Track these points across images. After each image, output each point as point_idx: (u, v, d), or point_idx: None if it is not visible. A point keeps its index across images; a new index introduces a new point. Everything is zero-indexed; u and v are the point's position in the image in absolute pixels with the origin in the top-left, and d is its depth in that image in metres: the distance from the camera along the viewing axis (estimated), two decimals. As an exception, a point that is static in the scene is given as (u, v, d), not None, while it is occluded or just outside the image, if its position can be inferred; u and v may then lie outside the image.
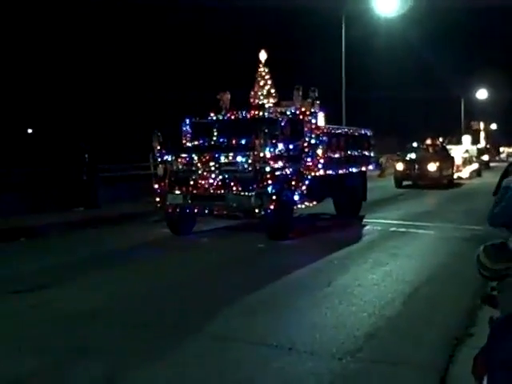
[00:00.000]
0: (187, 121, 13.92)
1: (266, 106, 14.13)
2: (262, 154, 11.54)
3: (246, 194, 11.60)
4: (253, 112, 13.39)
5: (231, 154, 11.86)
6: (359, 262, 9.76)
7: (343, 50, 31.48)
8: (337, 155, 14.74)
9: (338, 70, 31.74)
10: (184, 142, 13.90)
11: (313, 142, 13.33)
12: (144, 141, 14.01)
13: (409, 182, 25.84)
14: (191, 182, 12.18)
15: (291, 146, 12.82)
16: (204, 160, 12.07)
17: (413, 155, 26.30)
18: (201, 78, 23.32)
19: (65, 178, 17.39)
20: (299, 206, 12.94)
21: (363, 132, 16.82)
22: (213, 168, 12.01)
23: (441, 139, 33.69)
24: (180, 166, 12.36)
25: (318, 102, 15.11)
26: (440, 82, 57.04)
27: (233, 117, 13.61)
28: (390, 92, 49.96)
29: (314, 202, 13.64)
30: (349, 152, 15.49)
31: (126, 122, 22.91)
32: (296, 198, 12.64)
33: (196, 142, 13.66)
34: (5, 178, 16.91)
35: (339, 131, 15.06)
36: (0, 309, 7.25)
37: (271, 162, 11.72)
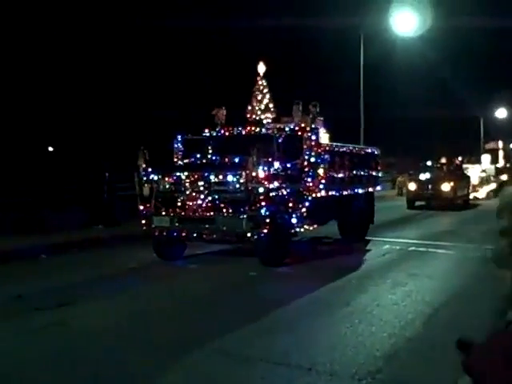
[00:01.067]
0: (179, 137, 13.04)
1: (264, 121, 13.19)
2: (254, 174, 10.57)
3: (237, 216, 10.63)
4: (248, 128, 12.47)
5: (221, 174, 10.91)
6: (378, 282, 9.65)
7: (361, 69, 31.47)
8: (340, 175, 13.75)
9: (356, 88, 31.60)
10: (176, 159, 13.00)
11: (313, 160, 12.34)
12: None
13: (422, 203, 24.69)
14: (179, 204, 11.25)
15: (289, 165, 11.86)
16: (192, 179, 11.14)
17: (427, 175, 25.13)
18: (201, 94, 22.51)
19: (86, 197, 17.42)
20: (298, 229, 11.92)
21: (370, 151, 15.83)
22: (202, 188, 11.07)
23: (460, 158, 32.69)
24: (167, 186, 11.44)
25: (321, 118, 14.26)
26: (458, 102, 56.04)
27: (227, 133, 12.73)
28: (408, 111, 49.40)
29: (315, 226, 12.62)
30: (354, 172, 14.49)
31: (131, 138, 22.21)
32: (294, 220, 11.64)
33: (187, 160, 12.75)
34: (27, 196, 16.97)
35: (343, 149, 14.04)
36: (22, 326, 7.17)
37: (265, 182, 10.76)
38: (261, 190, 10.63)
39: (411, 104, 49.49)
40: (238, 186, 10.79)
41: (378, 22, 30.74)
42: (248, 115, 13.27)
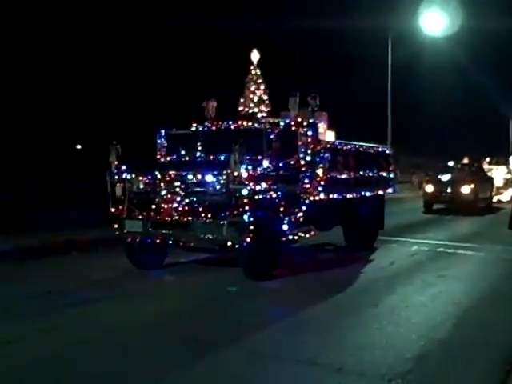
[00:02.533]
0: (162, 132, 11.69)
1: (259, 115, 11.80)
2: (236, 173, 9.19)
3: (217, 222, 9.27)
4: (236, 122, 11.11)
5: (200, 173, 9.55)
6: (406, 283, 9.61)
7: (389, 69, 31.46)
8: (344, 176, 12.32)
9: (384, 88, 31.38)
10: (158, 156, 11.67)
11: (310, 159, 10.92)
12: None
13: (441, 206, 23.01)
14: (153, 206, 9.92)
15: (281, 164, 10.45)
16: (168, 179, 9.81)
17: (447, 176, 23.41)
18: (190, 84, 21.12)
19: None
20: (291, 237, 10.51)
21: (380, 149, 14.35)
22: (178, 189, 9.74)
23: (488, 159, 31.05)
24: (141, 186, 10.11)
25: (323, 112, 12.90)
26: (487, 102, 54.29)
27: (214, 128, 11.36)
28: (437, 112, 48.28)
29: (312, 232, 11.18)
30: (361, 172, 13.05)
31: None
32: (285, 227, 10.23)
33: (169, 158, 11.42)
34: (55, 192, 16.64)
35: (347, 147, 12.59)
36: (52, 322, 7.18)
37: (249, 183, 9.37)
38: (244, 192, 9.25)
39: (439, 104, 48.18)
40: (217, 187, 9.43)
41: (406, 23, 30.69)
42: (240, 108, 11.89)
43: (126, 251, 10.43)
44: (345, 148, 12.47)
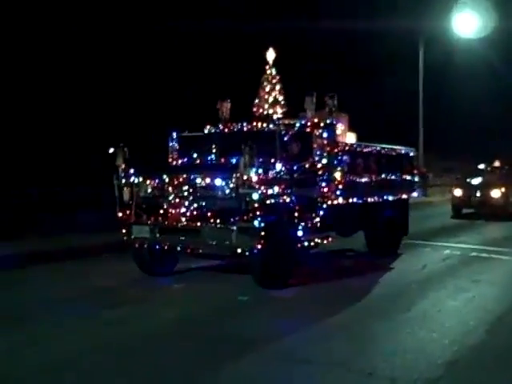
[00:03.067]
0: (174, 135, 11.30)
1: (274, 117, 11.33)
2: (246, 177, 8.73)
3: (226, 227, 8.83)
4: (248, 124, 10.68)
5: (209, 177, 9.13)
6: (439, 288, 9.45)
7: (420, 72, 31.20)
8: (365, 179, 11.78)
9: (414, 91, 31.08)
10: (170, 159, 11.29)
11: (327, 162, 10.41)
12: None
13: (470, 210, 22.17)
14: (161, 211, 9.52)
15: (295, 167, 9.97)
16: (176, 183, 9.40)
17: (477, 179, 22.57)
18: (204, 84, 20.56)
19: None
20: (307, 243, 10.00)
21: (403, 152, 13.74)
22: (186, 193, 9.33)
23: None
24: (149, 190, 9.72)
25: (344, 114, 12.41)
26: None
27: (226, 130, 10.94)
28: (470, 115, 47.26)
29: (330, 239, 10.65)
30: (383, 176, 12.48)
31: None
32: (300, 233, 9.74)
33: (181, 161, 11.04)
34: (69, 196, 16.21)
35: (368, 150, 12.04)
36: (81, 323, 7.28)
37: (260, 187, 8.90)
38: (255, 196, 8.79)
39: (472, 106, 47.19)
40: (227, 191, 8.99)
41: (438, 25, 30.22)
42: (254, 109, 11.44)
43: (134, 257, 10.06)
44: (365, 150, 11.93)
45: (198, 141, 11.07)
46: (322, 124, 10.49)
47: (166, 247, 9.55)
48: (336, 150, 10.70)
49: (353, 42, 33.33)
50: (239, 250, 8.83)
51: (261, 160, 9.53)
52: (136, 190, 9.73)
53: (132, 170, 9.76)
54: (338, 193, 10.64)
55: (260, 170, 8.90)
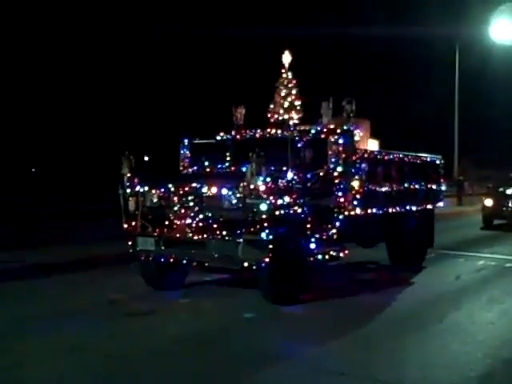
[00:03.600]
0: (185, 142, 10.88)
1: (291, 122, 10.83)
2: (253, 186, 8.24)
3: (232, 240, 8.35)
4: (261, 131, 10.21)
5: (214, 186, 8.66)
6: (472, 299, 9.28)
7: (456, 79, 30.82)
8: (385, 188, 11.19)
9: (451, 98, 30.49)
10: (182, 168, 10.87)
11: (345, 170, 9.87)
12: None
13: (502, 221, 21.15)
14: (166, 222, 9.08)
15: (309, 176, 9.44)
16: (181, 192, 8.96)
17: (511, 189, 21.51)
18: (217, 90, 19.99)
19: None
20: (320, 256, 9.46)
21: (429, 159, 13.09)
22: (191, 204, 8.87)
23: None
24: (154, 200, 9.30)
25: (364, 119, 11.90)
26: None
27: (238, 137, 10.47)
28: (506, 122, 46.08)
29: (347, 251, 10.07)
30: (405, 185, 11.87)
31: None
32: (312, 246, 9.20)
33: (192, 169, 10.62)
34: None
35: (390, 157, 11.45)
36: (112, 330, 7.32)
37: (269, 197, 8.39)
38: (263, 206, 8.28)
39: (509, 114, 45.98)
40: (233, 201, 8.51)
41: (474, 31, 30.11)
42: (269, 115, 10.96)
43: (141, 270, 9.64)
44: (386, 158, 11.34)
45: (210, 148, 10.63)
46: (338, 130, 9.98)
47: (171, 260, 9.09)
48: (354, 158, 10.15)
49: (386, 47, 32.69)
50: (246, 264, 8.34)
51: (272, 168, 9.10)
52: (141, 200, 9.30)
53: (137, 179, 9.33)
54: (355, 203, 10.09)
55: (268, 179, 8.39)
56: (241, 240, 8.28)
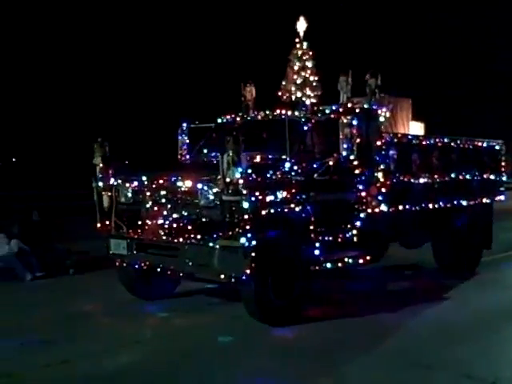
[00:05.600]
0: (184, 126, 9.37)
1: (307, 102, 9.11)
2: (228, 179, 6.63)
3: (207, 245, 6.78)
4: (262, 113, 8.60)
5: (190, 179, 7.11)
6: None
7: None
8: (425, 180, 9.30)
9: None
10: (180, 155, 9.39)
11: (364, 158, 8.11)
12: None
13: None
14: (139, 222, 7.62)
15: (315, 165, 7.72)
16: (154, 187, 7.46)
17: None
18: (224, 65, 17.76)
19: None
20: (329, 265, 7.73)
21: (486, 145, 10.97)
22: (164, 200, 7.36)
23: None
24: (129, 195, 7.85)
25: (407, 99, 10.11)
26: None
27: (238, 119, 8.88)
28: None
29: (368, 257, 8.30)
30: (453, 176, 9.91)
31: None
32: (316, 252, 7.49)
33: (189, 157, 9.13)
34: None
35: (430, 142, 9.53)
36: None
37: (254, 192, 6.75)
38: (245, 204, 6.65)
39: None
40: (210, 197, 6.91)
41: None
42: (280, 93, 9.28)
43: (119, 277, 8.25)
44: (425, 143, 9.41)
45: (210, 133, 9.08)
46: (357, 110, 8.19)
47: (144, 267, 7.64)
48: (378, 143, 8.34)
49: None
50: (222, 276, 6.76)
51: (270, 156, 7.50)
52: (115, 195, 7.88)
53: (111, 171, 7.91)
54: (380, 198, 8.28)
55: (250, 170, 6.75)
56: (216, 246, 6.70)
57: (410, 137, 9.28)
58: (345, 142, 7.81)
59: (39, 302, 8.37)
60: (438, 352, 6.09)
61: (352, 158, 7.87)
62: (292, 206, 7.24)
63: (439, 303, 8.23)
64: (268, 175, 7.08)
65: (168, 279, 8.23)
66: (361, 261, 8.23)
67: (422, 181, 9.24)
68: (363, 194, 8.23)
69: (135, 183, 7.66)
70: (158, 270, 7.52)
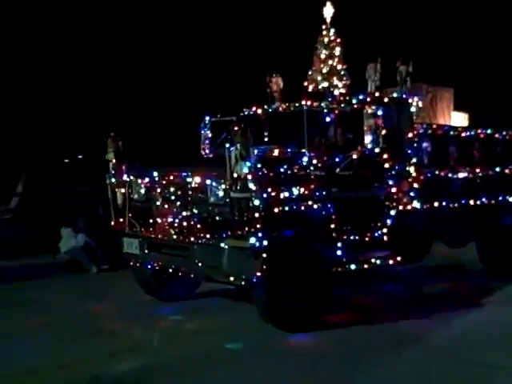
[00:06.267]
0: (206, 120, 8.98)
1: (336, 92, 8.58)
2: (236, 175, 6.19)
3: (216, 246, 6.36)
4: (285, 104, 8.13)
5: (200, 175, 6.71)
6: None
7: None
8: (464, 175, 8.64)
9: None
10: (202, 150, 9.01)
11: (394, 150, 7.54)
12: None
13: None
14: (151, 220, 7.28)
15: (337, 159, 7.19)
16: (164, 183, 7.10)
17: None
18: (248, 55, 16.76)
19: None
20: (353, 266, 7.19)
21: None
22: (175, 197, 6.98)
23: None
24: (142, 192, 7.51)
25: (447, 89, 9.51)
26: None
27: (259, 112, 8.43)
28: None
29: (399, 258, 7.70)
30: (498, 170, 9.22)
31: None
32: (339, 252, 6.97)
33: (211, 153, 8.74)
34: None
35: (469, 134, 8.85)
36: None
37: (266, 189, 6.30)
38: (256, 202, 6.20)
39: None
40: (220, 194, 6.49)
41: None
42: (306, 83, 8.78)
43: (136, 277, 7.95)
44: (464, 135, 8.73)
45: (232, 126, 8.65)
46: (385, 99, 7.62)
47: (156, 268, 7.30)
48: (410, 135, 7.75)
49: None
50: (232, 278, 6.34)
51: (289, 150, 7.04)
52: (129, 192, 7.57)
53: (125, 167, 7.60)
54: (411, 194, 7.69)
55: (260, 165, 6.29)
56: (226, 246, 6.27)
57: (446, 128, 8.61)
58: (369, 134, 7.23)
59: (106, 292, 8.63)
60: (472, 372, 5.36)
61: (378, 151, 7.29)
62: (310, 203, 6.74)
63: (480, 308, 7.55)
64: (282, 170, 6.59)
65: (187, 279, 7.87)
66: (391, 262, 7.64)
67: (461, 175, 8.58)
68: (393, 189, 7.64)
69: (147, 179, 7.31)
70: (170, 270, 7.15)
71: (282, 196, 6.44)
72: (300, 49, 10.01)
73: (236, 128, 6.31)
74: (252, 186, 6.15)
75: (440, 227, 8.73)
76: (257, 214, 6.18)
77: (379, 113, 7.24)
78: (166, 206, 7.02)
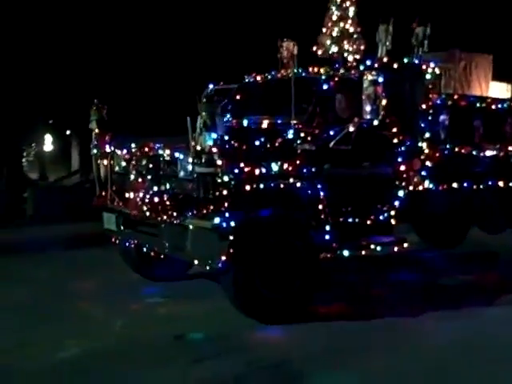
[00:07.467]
0: (210, 88, 8.31)
1: (350, 58, 7.75)
2: (200, 147, 5.55)
3: (182, 224, 5.77)
4: (283, 71, 7.40)
5: (169, 147, 6.10)
6: None
7: None
8: (492, 153, 7.66)
9: None
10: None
11: (408, 124, 6.71)
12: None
13: None
14: (126, 195, 6.76)
15: (332, 132, 6.40)
16: (139, 154, 6.54)
17: None
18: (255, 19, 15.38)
19: None
20: (346, 252, 6.44)
21: None
22: (146, 171, 6.42)
23: None
24: (122, 164, 6.99)
25: (485, 55, 8.55)
26: None
27: (258, 79, 7.70)
28: None
29: (406, 244, 6.87)
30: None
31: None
32: (327, 237, 6.23)
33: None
34: None
35: (499, 106, 7.81)
36: None
37: (237, 163, 5.64)
38: (222, 178, 5.55)
39: None
40: (188, 168, 5.87)
41: None
42: (315, 48, 7.96)
43: (121, 254, 7.48)
44: (494, 107, 7.70)
45: (233, 95, 8.00)
46: (395, 65, 6.75)
47: (132, 245, 6.80)
48: (424, 106, 6.85)
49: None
50: (196, 262, 5.74)
51: (279, 121, 6.34)
52: (111, 164, 7.07)
53: (108, 137, 7.09)
54: (423, 173, 6.84)
55: (228, 137, 5.61)
56: (190, 226, 5.67)
57: (472, 99, 7.60)
58: (368, 104, 6.38)
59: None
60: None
61: (385, 123, 6.46)
62: (293, 180, 6.01)
63: (502, 306, 6.62)
64: (258, 143, 5.88)
65: (175, 259, 7.33)
66: (395, 248, 6.83)
67: (488, 153, 7.59)
68: (402, 167, 6.79)
69: (125, 151, 6.77)
70: (144, 249, 6.63)
71: (257, 172, 5.75)
72: (313, 11, 9.13)
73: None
74: (218, 160, 5.49)
75: (476, 210, 7.85)
76: (225, 192, 5.54)
77: (387, 81, 6.36)
78: (140, 180, 6.47)
